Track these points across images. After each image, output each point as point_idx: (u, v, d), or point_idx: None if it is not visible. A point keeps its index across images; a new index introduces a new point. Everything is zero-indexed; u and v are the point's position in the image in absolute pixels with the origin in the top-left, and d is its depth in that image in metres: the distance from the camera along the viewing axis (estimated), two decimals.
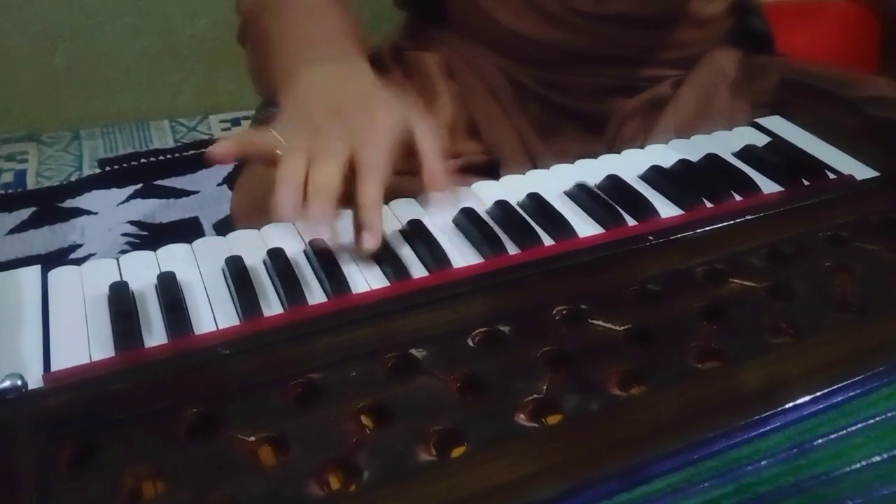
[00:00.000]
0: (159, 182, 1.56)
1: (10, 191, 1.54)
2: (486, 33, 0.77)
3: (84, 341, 0.43)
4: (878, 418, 0.37)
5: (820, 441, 0.36)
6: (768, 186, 0.59)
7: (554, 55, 0.75)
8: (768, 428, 0.35)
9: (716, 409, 0.37)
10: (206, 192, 1.53)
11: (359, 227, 0.49)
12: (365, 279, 0.48)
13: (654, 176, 0.59)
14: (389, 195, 0.55)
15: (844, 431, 0.36)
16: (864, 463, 0.35)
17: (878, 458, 0.35)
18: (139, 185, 1.55)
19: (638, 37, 0.74)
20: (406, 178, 0.55)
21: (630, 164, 0.61)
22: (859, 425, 0.36)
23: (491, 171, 0.70)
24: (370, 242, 0.49)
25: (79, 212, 1.47)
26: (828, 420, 0.37)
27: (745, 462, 0.34)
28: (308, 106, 0.54)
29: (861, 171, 0.61)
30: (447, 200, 0.54)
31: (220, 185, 1.55)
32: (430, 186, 0.52)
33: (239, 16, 0.71)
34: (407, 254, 0.50)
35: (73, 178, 1.58)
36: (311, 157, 0.48)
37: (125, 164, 1.62)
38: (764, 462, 0.34)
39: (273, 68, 0.61)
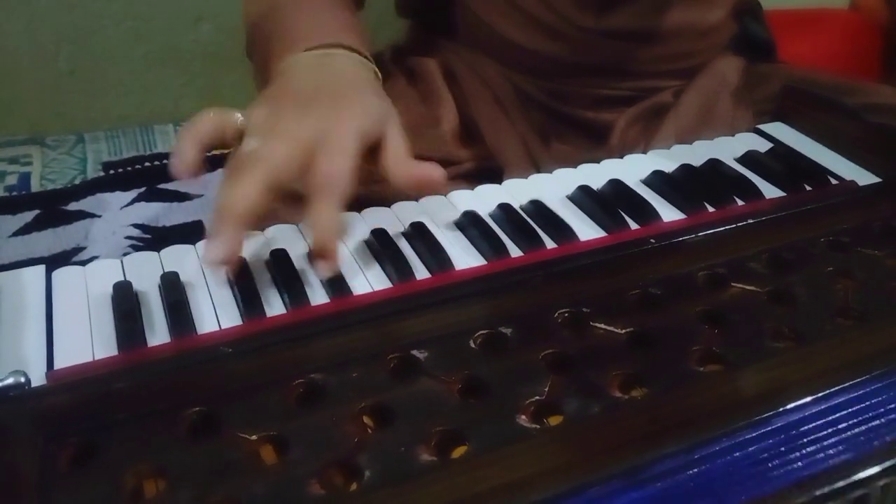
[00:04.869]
0: (163, 185, 1.56)
1: (13, 193, 1.55)
2: (489, 44, 0.77)
3: (87, 340, 0.43)
4: None
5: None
6: (770, 192, 0.59)
7: (556, 67, 0.75)
8: (769, 428, 0.35)
9: (716, 413, 0.37)
10: (211, 196, 1.53)
11: (313, 252, 0.47)
12: (367, 280, 0.48)
13: (657, 180, 0.59)
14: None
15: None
16: None
17: None
18: (143, 189, 1.55)
19: (640, 50, 0.75)
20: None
21: (632, 169, 0.61)
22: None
23: (492, 176, 0.70)
24: (323, 270, 0.46)
25: (83, 215, 1.47)
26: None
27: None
28: (283, 89, 0.53)
29: (863, 177, 0.61)
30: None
31: None
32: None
33: (245, 29, 0.71)
34: (409, 255, 0.50)
35: (76, 181, 1.58)
36: (263, 137, 0.46)
37: (129, 168, 1.63)
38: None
39: (269, 67, 0.60)
